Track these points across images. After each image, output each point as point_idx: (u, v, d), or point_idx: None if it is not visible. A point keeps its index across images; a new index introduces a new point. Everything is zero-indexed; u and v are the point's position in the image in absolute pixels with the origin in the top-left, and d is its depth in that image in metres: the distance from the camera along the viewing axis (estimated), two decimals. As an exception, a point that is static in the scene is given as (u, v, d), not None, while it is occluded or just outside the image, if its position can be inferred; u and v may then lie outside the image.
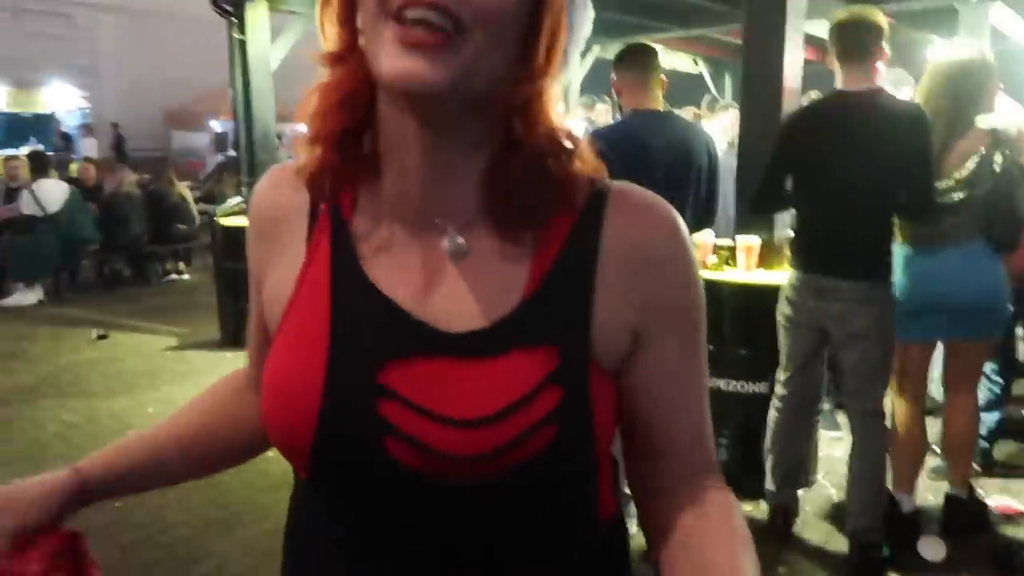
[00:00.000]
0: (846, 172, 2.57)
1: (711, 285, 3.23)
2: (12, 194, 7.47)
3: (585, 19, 0.68)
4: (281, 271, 0.71)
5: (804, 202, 2.77)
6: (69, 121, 16.95)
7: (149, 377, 5.12)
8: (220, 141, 17.06)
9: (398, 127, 0.63)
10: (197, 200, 8.97)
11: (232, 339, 5.80)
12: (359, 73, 0.62)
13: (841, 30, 2.62)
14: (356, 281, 0.67)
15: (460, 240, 0.66)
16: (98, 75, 20.34)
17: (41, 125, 16.36)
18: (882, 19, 2.63)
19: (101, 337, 5.99)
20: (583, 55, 8.27)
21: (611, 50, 7.89)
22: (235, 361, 5.38)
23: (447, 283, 0.66)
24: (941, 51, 2.84)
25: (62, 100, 16.77)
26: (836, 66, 2.66)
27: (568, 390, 0.63)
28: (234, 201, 6.56)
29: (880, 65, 2.60)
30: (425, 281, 0.66)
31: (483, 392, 0.62)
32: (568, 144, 0.67)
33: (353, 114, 0.65)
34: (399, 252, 0.67)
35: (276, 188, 0.75)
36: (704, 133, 3.19)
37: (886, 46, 2.60)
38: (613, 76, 3.01)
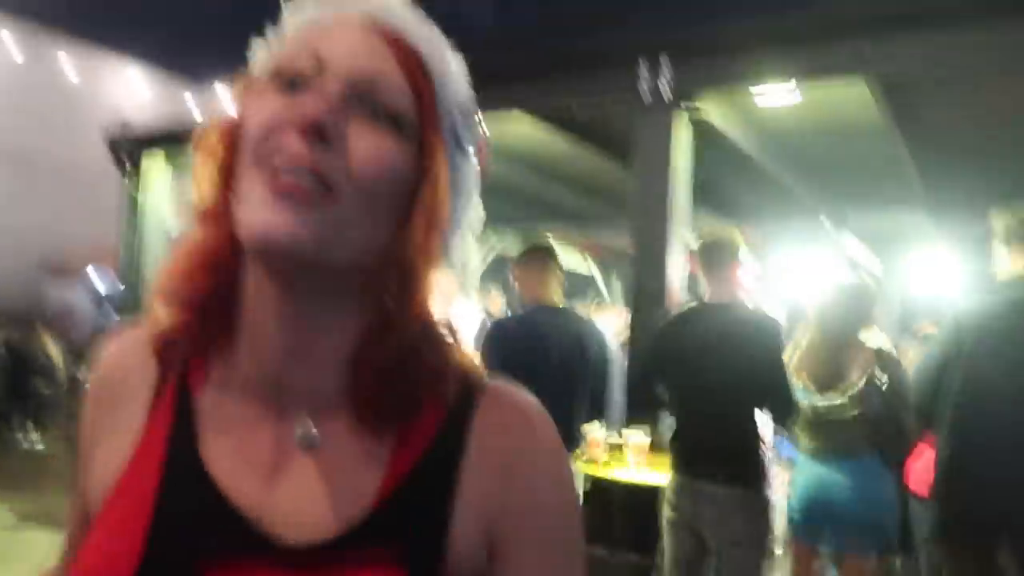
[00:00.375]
0: (708, 378, 2.69)
1: (600, 483, 3.22)
2: None
3: (472, 207, 0.66)
4: (112, 448, 0.63)
5: (675, 406, 2.88)
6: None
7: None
8: (99, 299, 16.33)
9: (258, 295, 0.59)
10: (73, 361, 8.37)
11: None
12: (228, 236, 0.58)
13: (703, 248, 2.86)
14: (190, 466, 0.59)
15: (312, 429, 0.60)
16: (-27, 219, 19.43)
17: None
18: (737, 236, 2.88)
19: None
20: (482, 246, 8.60)
21: (510, 240, 8.28)
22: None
23: (294, 477, 0.59)
24: (832, 276, 3.16)
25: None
26: (702, 279, 2.89)
27: None
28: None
29: (741, 273, 2.81)
30: (270, 472, 0.59)
31: None
32: (447, 336, 0.64)
33: (216, 278, 0.61)
34: (247, 436, 0.61)
35: (123, 352, 0.68)
36: (598, 330, 3.33)
37: (743, 257, 2.82)
38: (514, 271, 3.15)
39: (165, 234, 6.11)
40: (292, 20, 0.61)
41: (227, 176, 0.59)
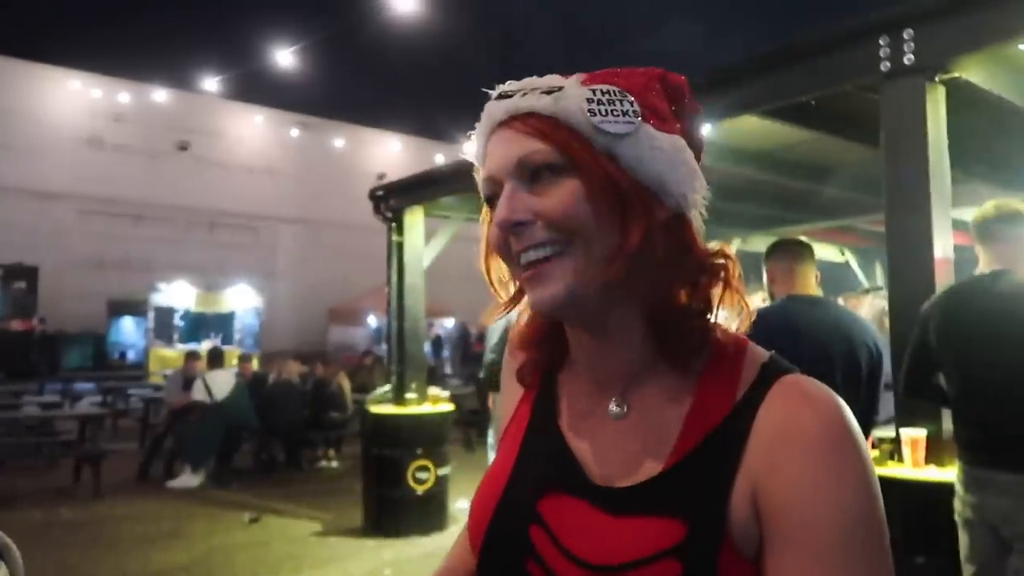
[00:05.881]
0: (996, 355, 2.45)
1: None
2: (189, 383, 8.21)
3: (683, 186, 0.74)
4: (508, 411, 0.89)
5: (956, 390, 2.62)
6: (245, 319, 18.72)
7: (293, 561, 5.20)
8: (376, 336, 18.20)
9: (568, 328, 0.80)
10: (352, 391, 9.45)
11: (374, 526, 5.85)
12: None
13: (981, 220, 2.67)
14: (546, 422, 0.81)
15: (618, 408, 0.76)
16: (274, 278, 22.59)
17: (222, 323, 18.15)
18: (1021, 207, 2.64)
19: (253, 520, 6.21)
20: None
21: (753, 242, 7.98)
22: (376, 549, 5.43)
23: (609, 436, 0.76)
24: None
25: (241, 301, 18.66)
26: (979, 253, 2.66)
27: (689, 567, 0.64)
28: (383, 390, 6.87)
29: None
30: (594, 432, 0.77)
31: (609, 544, 0.68)
32: (724, 325, 0.75)
33: (545, 321, 0.83)
34: (581, 405, 0.80)
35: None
36: (869, 327, 3.10)
37: None
38: (765, 265, 3.07)
39: (422, 272, 6.66)
40: (474, 144, 0.79)
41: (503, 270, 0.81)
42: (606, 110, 0.71)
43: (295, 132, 24.61)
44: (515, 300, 0.82)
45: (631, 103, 0.72)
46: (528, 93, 0.73)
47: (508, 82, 0.76)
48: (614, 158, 0.71)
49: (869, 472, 0.65)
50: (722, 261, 0.75)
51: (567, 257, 0.70)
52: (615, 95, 0.72)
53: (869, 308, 4.93)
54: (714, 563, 0.64)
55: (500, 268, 0.81)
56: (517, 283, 0.79)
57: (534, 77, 0.76)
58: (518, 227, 0.71)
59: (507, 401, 0.91)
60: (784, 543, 0.64)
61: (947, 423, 3.15)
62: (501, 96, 0.75)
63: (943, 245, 3.44)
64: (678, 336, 0.73)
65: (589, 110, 0.70)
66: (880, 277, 8.85)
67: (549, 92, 0.72)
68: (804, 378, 0.70)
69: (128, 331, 19.49)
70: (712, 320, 0.75)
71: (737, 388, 0.70)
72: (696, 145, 0.78)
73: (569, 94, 0.71)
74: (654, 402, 0.74)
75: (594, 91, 0.71)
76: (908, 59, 3.56)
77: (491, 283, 0.82)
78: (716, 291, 0.75)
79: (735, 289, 0.75)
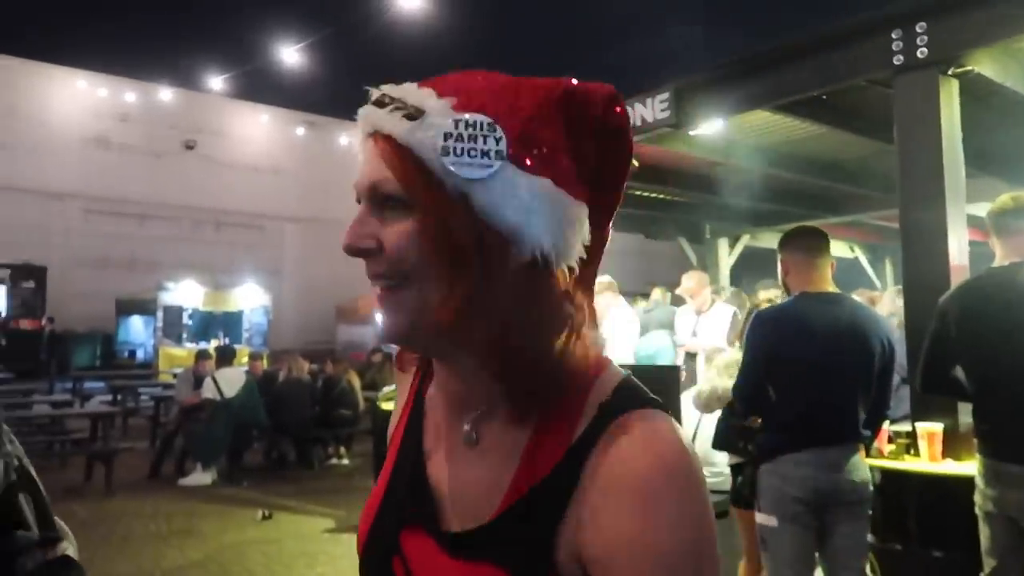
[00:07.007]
0: (1015, 348, 2.46)
1: (892, 475, 3.00)
2: (199, 382, 8.24)
3: (572, 227, 0.69)
4: (394, 419, 0.88)
5: (975, 384, 2.61)
6: (253, 318, 18.77)
7: (306, 558, 5.22)
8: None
9: None
10: (361, 388, 9.45)
11: (385, 523, 5.87)
12: None
13: (997, 213, 2.65)
14: (413, 448, 0.80)
15: (471, 432, 0.74)
16: (281, 277, 22.65)
17: (230, 321, 18.21)
18: None
19: (265, 518, 6.23)
20: (734, 243, 8.37)
21: (762, 238, 7.97)
22: (387, 546, 5.43)
23: (461, 466, 0.74)
24: None
25: (249, 299, 18.71)
26: (995, 247, 2.66)
27: None
28: (392, 388, 6.87)
29: None
30: (450, 458, 0.75)
31: None
32: (585, 355, 0.70)
33: None
34: (442, 425, 0.78)
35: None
36: (883, 322, 3.05)
37: None
38: (780, 256, 2.99)
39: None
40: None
41: None
42: (463, 149, 0.64)
43: (301, 131, 24.65)
44: None
45: (497, 139, 0.65)
46: (398, 108, 0.67)
47: (388, 86, 0.70)
48: (466, 199, 0.65)
49: (694, 518, 0.63)
50: (571, 311, 0.70)
51: (405, 291, 0.68)
52: (480, 129, 0.65)
53: (890, 303, 4.91)
54: None
55: None
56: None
57: (412, 86, 0.70)
58: (361, 253, 0.69)
59: (396, 412, 0.89)
60: None
61: (963, 417, 3.15)
62: (375, 102, 0.69)
63: (958, 239, 3.44)
64: (517, 381, 0.69)
65: (443, 147, 0.64)
66: (890, 274, 8.84)
67: (411, 117, 0.66)
68: (640, 416, 0.67)
69: (136, 330, 19.57)
70: (569, 353, 0.69)
71: (575, 430, 0.68)
72: (615, 162, 0.73)
73: (429, 123, 0.65)
74: (500, 437, 0.72)
75: (457, 123, 0.65)
76: (921, 52, 3.57)
77: None
78: (565, 338, 0.69)
79: (582, 338, 0.70)
